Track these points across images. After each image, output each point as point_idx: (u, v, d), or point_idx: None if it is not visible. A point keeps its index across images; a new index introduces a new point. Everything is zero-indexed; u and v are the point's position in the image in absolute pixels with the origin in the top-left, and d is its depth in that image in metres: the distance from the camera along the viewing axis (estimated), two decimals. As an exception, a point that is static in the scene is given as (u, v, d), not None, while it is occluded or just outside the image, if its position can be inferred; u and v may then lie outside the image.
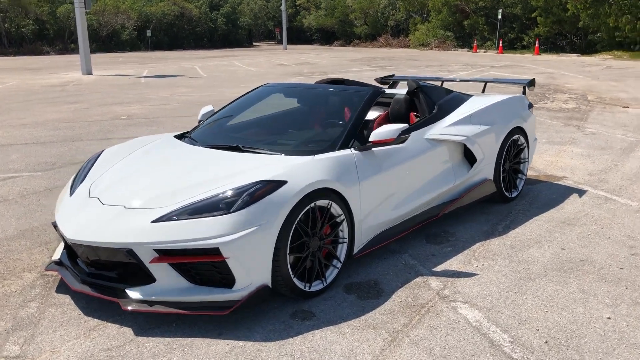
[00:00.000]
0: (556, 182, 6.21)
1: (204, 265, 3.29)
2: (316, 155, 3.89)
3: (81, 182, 4.08)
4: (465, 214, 5.13)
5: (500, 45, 32.29)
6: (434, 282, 3.86)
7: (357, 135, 4.20)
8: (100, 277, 3.52)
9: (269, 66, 25.12)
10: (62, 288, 3.84)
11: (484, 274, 3.97)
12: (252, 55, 35.12)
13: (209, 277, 3.34)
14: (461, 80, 6.48)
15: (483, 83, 6.37)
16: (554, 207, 5.35)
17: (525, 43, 33.37)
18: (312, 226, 3.58)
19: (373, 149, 4.09)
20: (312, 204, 3.54)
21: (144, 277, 3.37)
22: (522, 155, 5.64)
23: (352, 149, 4.06)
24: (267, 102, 5.17)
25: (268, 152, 4.07)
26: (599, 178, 6.35)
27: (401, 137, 3.96)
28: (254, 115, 5.11)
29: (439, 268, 4.09)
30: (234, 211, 3.28)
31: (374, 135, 4.02)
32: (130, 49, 45.22)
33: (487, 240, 4.58)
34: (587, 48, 28.65)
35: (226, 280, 3.31)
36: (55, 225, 3.83)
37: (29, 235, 4.82)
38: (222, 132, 4.77)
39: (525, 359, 2.97)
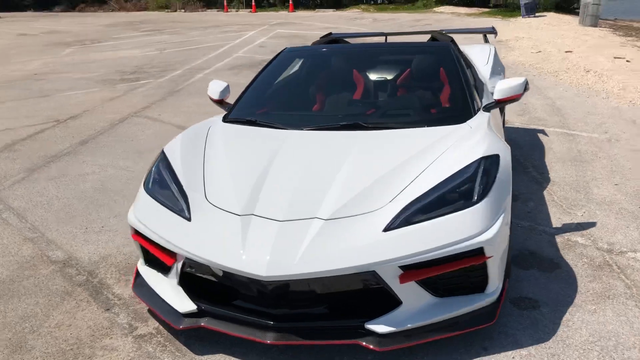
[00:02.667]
0: (508, 125, 6.48)
1: (455, 272, 2.62)
2: (468, 122, 3.37)
3: (184, 199, 2.89)
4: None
5: (254, 3, 32.42)
6: (578, 239, 3.71)
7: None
8: (301, 319, 2.58)
9: (9, 38, 20.95)
10: (202, 345, 2.74)
11: (602, 221, 3.95)
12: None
13: (458, 285, 2.68)
14: (427, 32, 6.18)
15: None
16: (546, 149, 5.57)
17: (272, 1, 34.10)
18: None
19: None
20: (506, 177, 3.07)
21: (372, 304, 2.57)
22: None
23: (481, 110, 3.62)
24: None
25: (403, 126, 3.39)
26: (532, 117, 6.81)
27: (524, 92, 3.64)
28: (311, 86, 4.21)
29: (556, 223, 3.95)
30: (478, 200, 2.66)
31: (500, 93, 3.60)
32: None
33: (546, 189, 4.57)
34: (336, 4, 30.49)
35: (475, 284, 2.69)
36: (192, 266, 2.65)
37: (32, 280, 3.33)
38: (303, 110, 3.88)
39: None
